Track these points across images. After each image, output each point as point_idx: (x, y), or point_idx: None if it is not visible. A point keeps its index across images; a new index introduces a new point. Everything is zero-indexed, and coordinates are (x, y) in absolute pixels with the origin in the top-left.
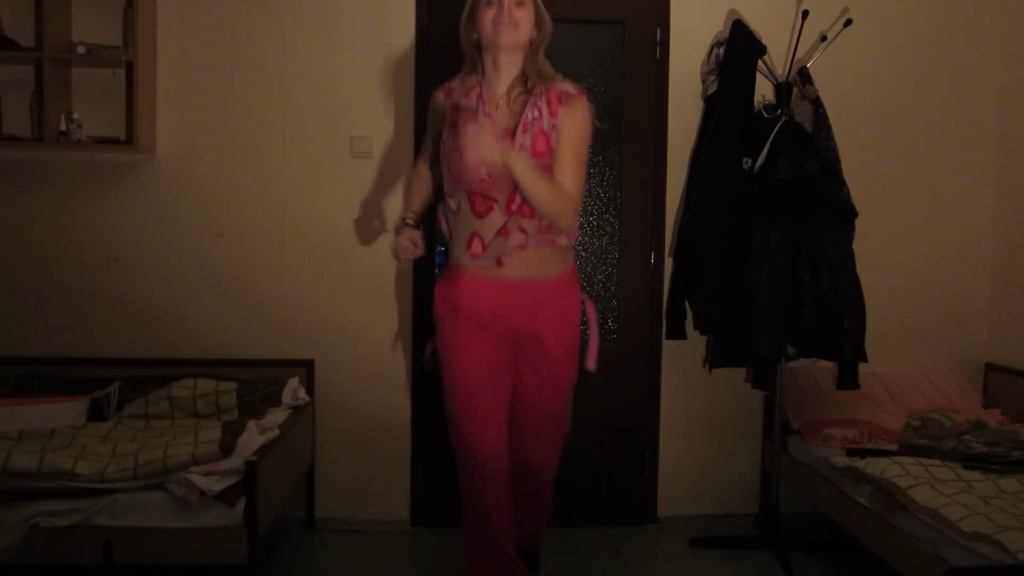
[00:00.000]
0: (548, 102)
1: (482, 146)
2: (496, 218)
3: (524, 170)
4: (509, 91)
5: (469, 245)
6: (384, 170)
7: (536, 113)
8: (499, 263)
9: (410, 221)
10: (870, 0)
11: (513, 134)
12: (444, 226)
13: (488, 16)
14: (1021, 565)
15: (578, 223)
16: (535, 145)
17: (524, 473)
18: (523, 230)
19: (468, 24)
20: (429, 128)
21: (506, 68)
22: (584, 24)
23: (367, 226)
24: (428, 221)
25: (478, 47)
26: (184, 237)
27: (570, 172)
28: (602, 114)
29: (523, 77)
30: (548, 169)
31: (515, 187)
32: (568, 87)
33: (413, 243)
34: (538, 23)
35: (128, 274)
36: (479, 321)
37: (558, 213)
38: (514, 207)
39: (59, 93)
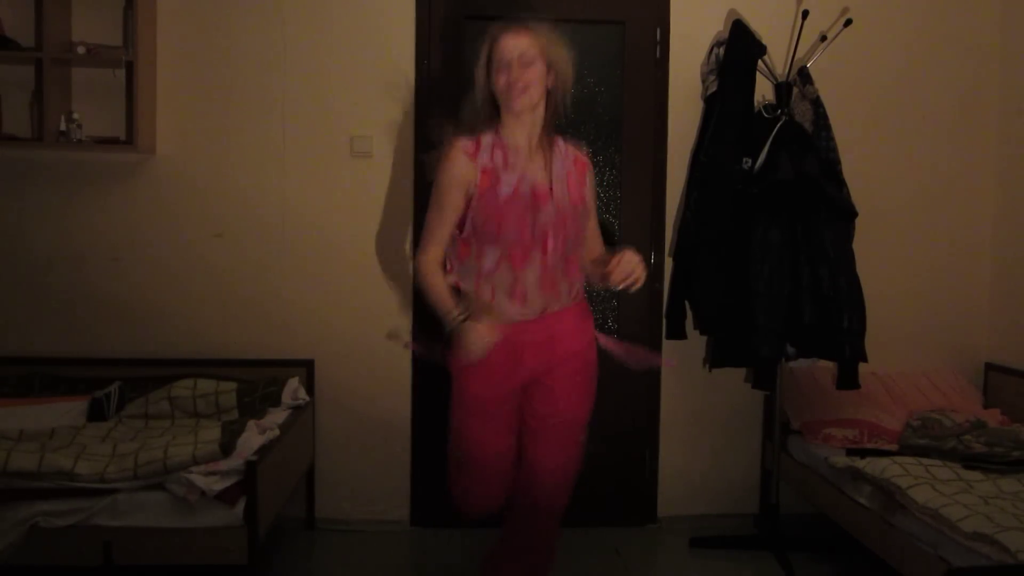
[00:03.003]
0: (573, 161)
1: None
2: (535, 267)
3: None
4: (531, 141)
5: (512, 294)
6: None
7: (572, 166)
8: (543, 312)
9: (461, 317)
10: (870, 0)
11: (550, 187)
12: (463, 284)
13: (501, 81)
14: (1021, 565)
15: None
16: (571, 191)
17: (530, 513)
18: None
19: (483, 76)
20: (444, 198)
21: (527, 119)
22: (584, 24)
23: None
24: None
25: (492, 96)
26: (184, 237)
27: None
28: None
29: (545, 126)
30: (576, 217)
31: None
32: (582, 153)
33: (491, 330)
34: (553, 71)
35: (128, 274)
36: (490, 372)
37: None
38: (548, 254)
39: (59, 93)
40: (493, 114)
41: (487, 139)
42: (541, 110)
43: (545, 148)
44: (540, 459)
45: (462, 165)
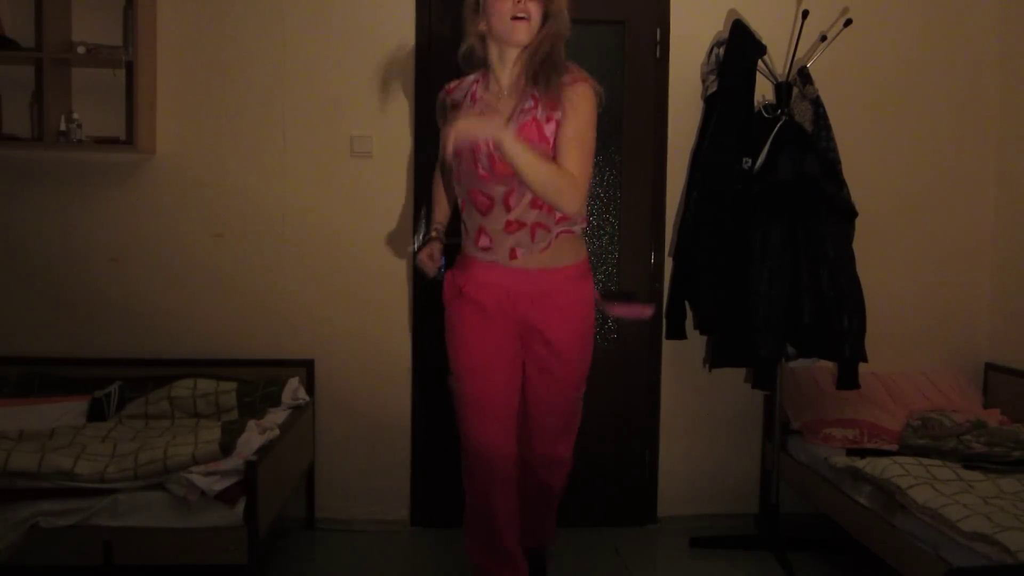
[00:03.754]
0: (550, 99)
1: (468, 127)
2: (498, 214)
3: (513, 145)
4: (516, 82)
5: (477, 239)
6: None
7: (531, 103)
8: (512, 255)
9: (434, 234)
10: (870, 0)
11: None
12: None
13: (502, 10)
14: (1021, 565)
15: (584, 207)
16: (521, 131)
17: (532, 469)
18: (540, 225)
19: (474, 15)
20: (441, 131)
21: (512, 60)
22: (584, 24)
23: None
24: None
25: (483, 39)
26: (184, 237)
27: (573, 152)
28: (603, 95)
29: (530, 70)
30: (544, 156)
31: (514, 184)
32: (573, 73)
33: (430, 256)
34: (551, 14)
35: (128, 274)
36: (484, 306)
37: (558, 192)
38: (512, 202)
39: (59, 93)
40: (479, 54)
41: (470, 78)
42: (527, 53)
43: (520, 93)
44: (540, 402)
45: (440, 101)
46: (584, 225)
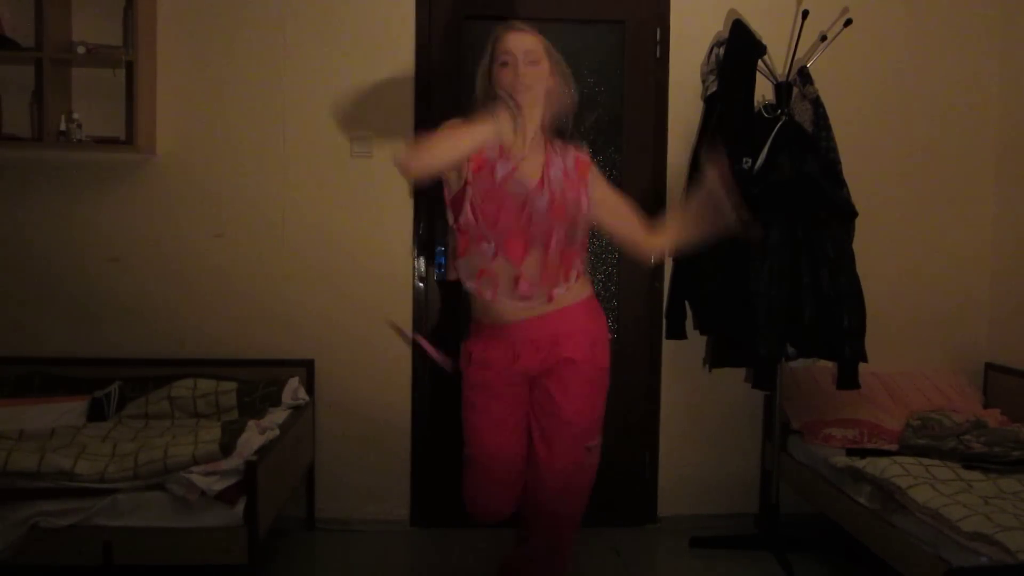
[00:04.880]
0: (574, 160)
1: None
2: (534, 260)
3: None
4: (527, 139)
5: (516, 285)
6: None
7: (562, 166)
8: (550, 299)
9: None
10: (870, 0)
11: (541, 183)
12: (465, 280)
13: (505, 77)
14: (1021, 565)
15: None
16: (567, 185)
17: (545, 522)
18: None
19: (485, 78)
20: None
21: (526, 117)
22: (584, 24)
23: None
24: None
25: (496, 98)
26: (184, 237)
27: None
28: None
29: (542, 126)
30: (572, 212)
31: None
32: (582, 152)
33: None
34: (556, 75)
35: (128, 274)
36: (490, 378)
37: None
38: (547, 246)
39: (59, 93)
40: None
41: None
42: (540, 110)
43: (541, 146)
44: (544, 461)
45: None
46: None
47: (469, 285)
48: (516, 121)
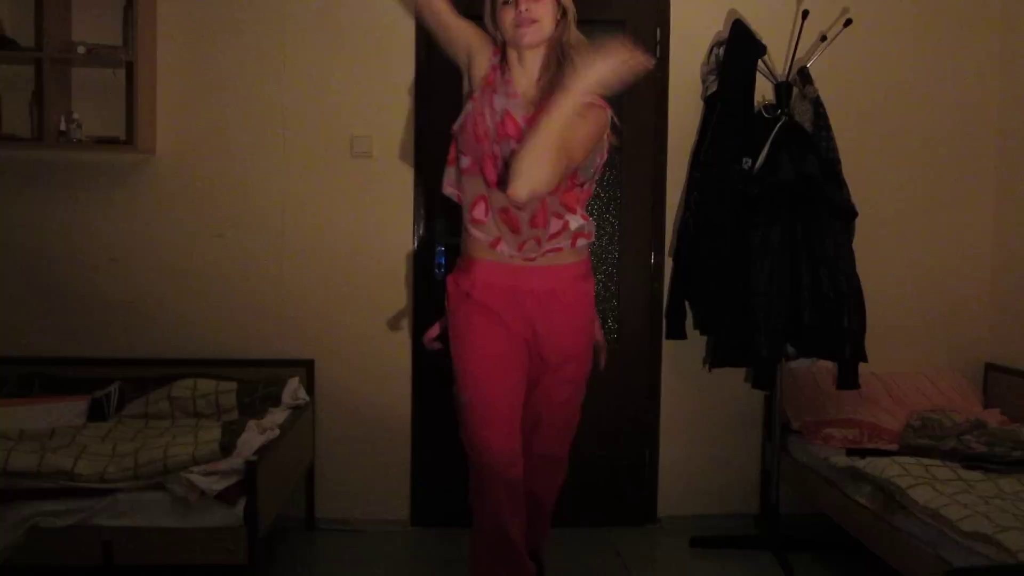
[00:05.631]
0: (586, 106)
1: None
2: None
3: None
4: (539, 81)
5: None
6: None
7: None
8: (539, 243)
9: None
10: (870, 0)
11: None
12: (461, 197)
13: (508, 17)
14: (1021, 565)
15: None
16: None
17: (530, 468)
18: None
19: (490, 24)
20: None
21: (532, 61)
22: (584, 24)
23: None
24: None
25: (503, 44)
26: (184, 237)
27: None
28: (620, 130)
29: (550, 65)
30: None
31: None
32: (593, 99)
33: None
34: (562, 7)
35: (128, 274)
36: (493, 308)
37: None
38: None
39: (59, 93)
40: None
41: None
42: (544, 51)
43: (545, 90)
44: (544, 402)
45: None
46: (591, 238)
47: (466, 217)
48: (520, 56)
